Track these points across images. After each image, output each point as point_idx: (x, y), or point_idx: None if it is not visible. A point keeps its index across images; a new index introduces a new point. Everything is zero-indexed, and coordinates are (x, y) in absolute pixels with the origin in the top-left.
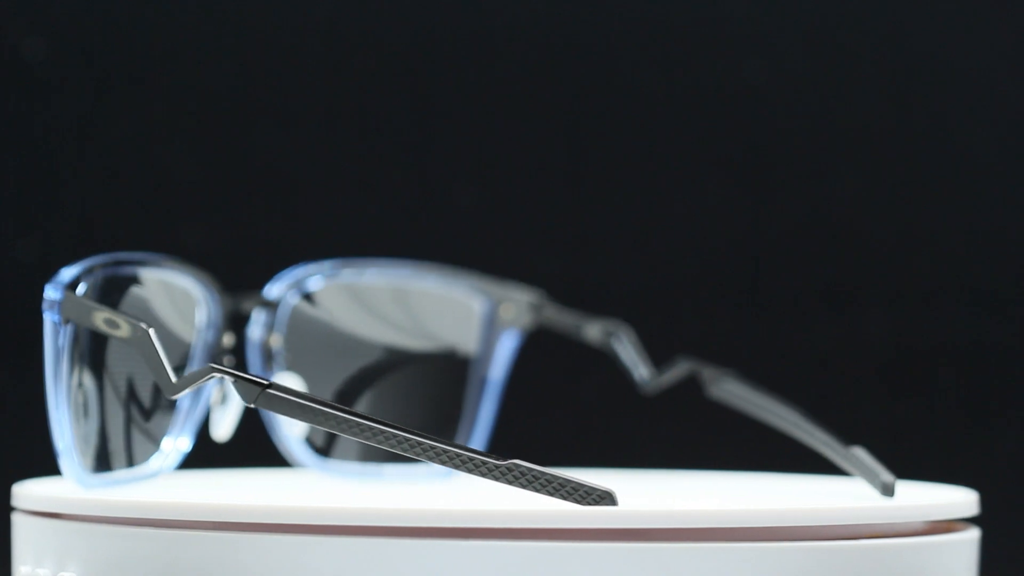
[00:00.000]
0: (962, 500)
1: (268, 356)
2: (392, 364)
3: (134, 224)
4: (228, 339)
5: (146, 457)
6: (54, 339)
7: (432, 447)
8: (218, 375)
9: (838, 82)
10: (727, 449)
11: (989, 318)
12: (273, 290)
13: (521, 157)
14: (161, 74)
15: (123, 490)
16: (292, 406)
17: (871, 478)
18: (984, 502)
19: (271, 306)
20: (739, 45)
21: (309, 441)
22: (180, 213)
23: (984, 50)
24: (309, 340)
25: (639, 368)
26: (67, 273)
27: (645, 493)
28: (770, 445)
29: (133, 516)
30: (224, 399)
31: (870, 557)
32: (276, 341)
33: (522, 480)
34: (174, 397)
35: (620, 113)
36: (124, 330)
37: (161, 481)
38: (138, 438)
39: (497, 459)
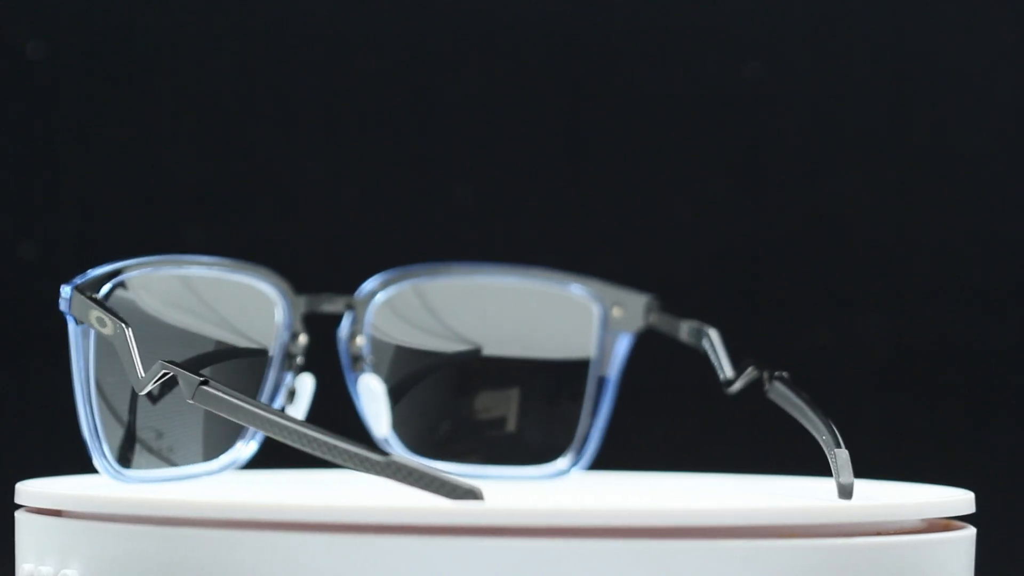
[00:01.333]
0: (958, 499)
1: (357, 358)
2: (506, 366)
3: (136, 225)
4: (303, 340)
5: (216, 455)
6: (75, 338)
7: (323, 443)
8: (168, 371)
9: (838, 82)
10: (729, 449)
11: (989, 318)
12: (365, 290)
13: (520, 157)
14: (163, 75)
15: (126, 488)
16: (222, 403)
17: (836, 476)
18: (982, 501)
19: (357, 307)
20: (739, 45)
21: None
22: (182, 214)
23: (984, 50)
24: (401, 341)
25: (724, 369)
26: (95, 272)
27: (644, 492)
28: (779, 446)
29: (136, 514)
30: (293, 397)
31: (867, 555)
32: (361, 343)
33: (399, 475)
34: (141, 393)
35: (620, 113)
36: (108, 328)
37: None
38: (211, 437)
39: (378, 455)
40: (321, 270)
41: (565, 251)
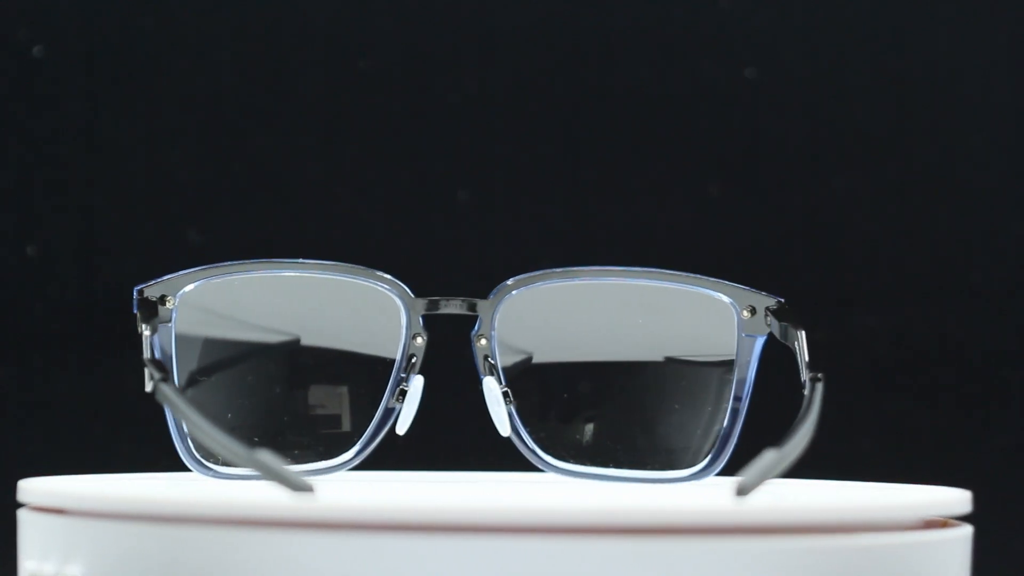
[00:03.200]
0: (955, 498)
1: (484, 359)
2: (637, 368)
3: (138, 226)
4: (420, 342)
5: (338, 453)
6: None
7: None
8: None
9: (838, 83)
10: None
11: (989, 318)
12: (500, 291)
13: (519, 158)
14: (165, 77)
15: (129, 486)
16: (172, 403)
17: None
18: (979, 500)
19: (482, 310)
20: (738, 46)
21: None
22: (184, 215)
23: (984, 50)
24: (528, 343)
25: (804, 371)
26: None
27: (643, 491)
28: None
29: (138, 512)
30: (404, 398)
31: (864, 553)
32: (486, 344)
33: (254, 467)
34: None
35: (619, 114)
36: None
37: (168, 479)
38: (332, 435)
39: (246, 450)
40: None
41: (565, 251)
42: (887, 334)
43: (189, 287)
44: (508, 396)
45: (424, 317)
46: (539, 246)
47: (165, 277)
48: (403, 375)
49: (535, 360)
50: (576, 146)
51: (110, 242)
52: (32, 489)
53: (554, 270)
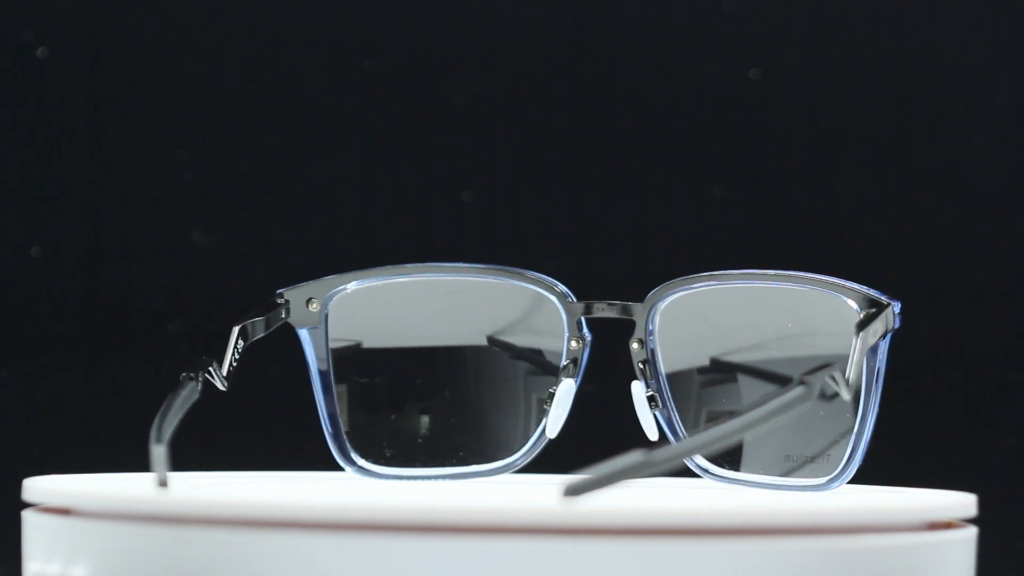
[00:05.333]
0: (960, 502)
1: (642, 362)
2: (777, 370)
3: (143, 227)
4: (575, 344)
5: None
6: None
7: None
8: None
9: (838, 83)
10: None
11: (989, 318)
12: (654, 295)
13: (522, 158)
14: (170, 77)
15: (134, 487)
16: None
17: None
18: (983, 501)
19: (636, 314)
20: (739, 47)
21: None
22: (189, 215)
23: (984, 50)
24: (682, 346)
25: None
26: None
27: (645, 492)
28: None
29: (143, 513)
30: (550, 400)
31: (868, 555)
32: (638, 348)
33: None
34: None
35: (621, 115)
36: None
37: (172, 480)
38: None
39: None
40: (325, 272)
41: (565, 252)
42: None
43: (345, 290)
44: (654, 401)
45: (582, 320)
46: (539, 246)
47: (311, 281)
48: (561, 377)
49: (688, 364)
50: (580, 147)
51: (115, 243)
52: (37, 488)
53: (705, 273)
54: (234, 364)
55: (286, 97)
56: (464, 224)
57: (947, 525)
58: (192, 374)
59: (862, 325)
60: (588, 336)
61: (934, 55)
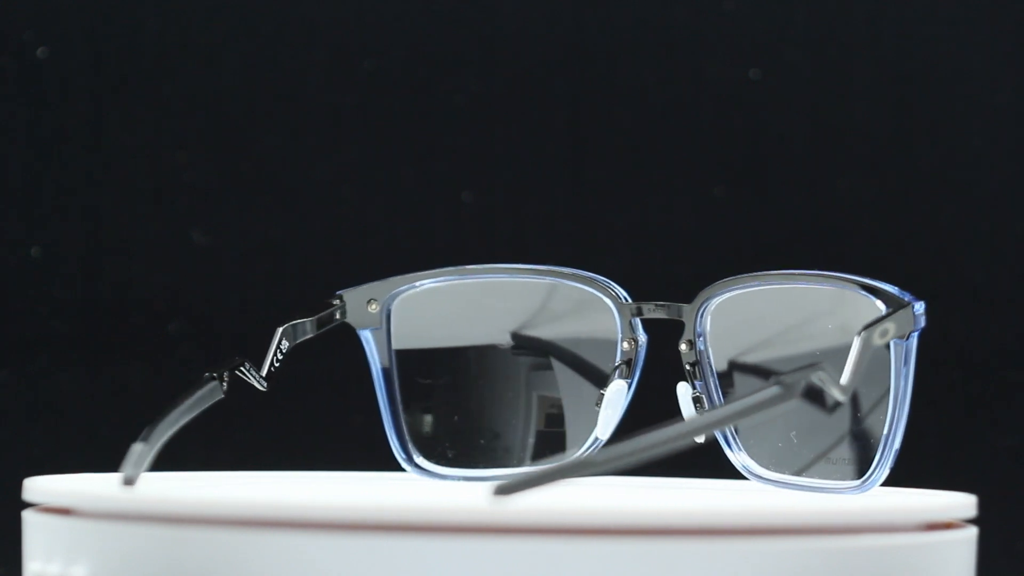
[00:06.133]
0: (960, 503)
1: (691, 364)
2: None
3: (143, 227)
4: (627, 346)
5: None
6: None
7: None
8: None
9: (839, 84)
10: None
11: (989, 318)
12: (703, 296)
13: (522, 159)
14: (170, 77)
15: (135, 487)
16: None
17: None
18: (983, 501)
19: (686, 315)
20: (740, 48)
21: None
22: (189, 216)
23: (984, 50)
24: (732, 347)
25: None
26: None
27: (645, 492)
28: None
29: (144, 513)
30: (601, 402)
31: (868, 555)
32: (686, 350)
33: None
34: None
35: (622, 116)
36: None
37: (172, 480)
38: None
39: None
40: (326, 272)
41: (565, 252)
42: None
43: (406, 291)
44: (700, 402)
45: (634, 321)
46: (539, 247)
47: (371, 283)
48: (614, 379)
49: (738, 365)
50: (580, 148)
51: (115, 243)
52: (37, 488)
53: (751, 273)
54: (275, 365)
55: (286, 97)
56: (464, 224)
57: (947, 525)
58: (215, 374)
59: (867, 326)
60: (642, 338)
61: (934, 55)
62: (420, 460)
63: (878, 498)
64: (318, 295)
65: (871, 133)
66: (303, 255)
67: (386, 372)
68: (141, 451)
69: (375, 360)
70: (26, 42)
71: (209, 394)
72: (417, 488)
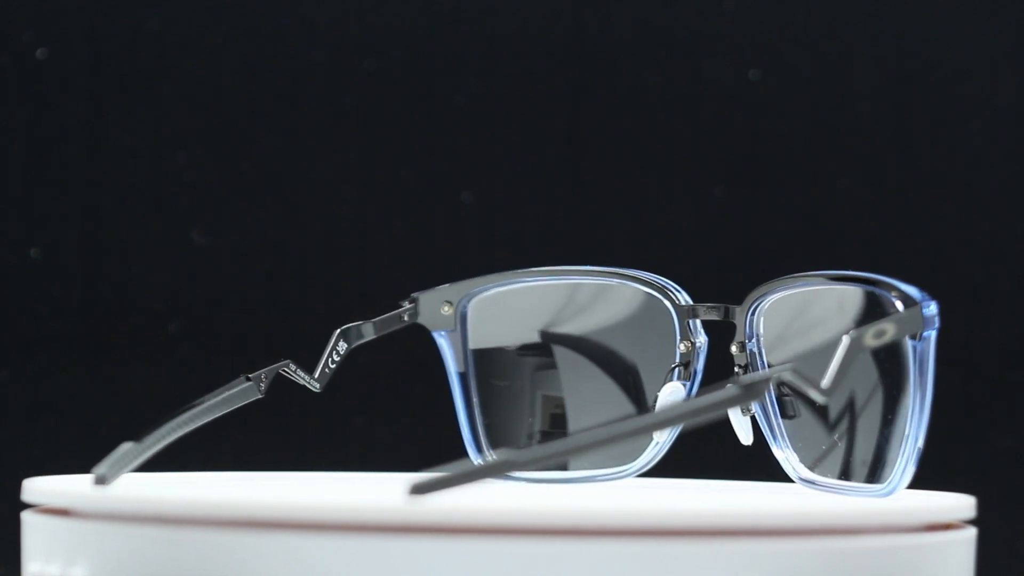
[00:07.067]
0: (959, 504)
1: (742, 366)
2: (873, 378)
3: (142, 228)
4: (684, 347)
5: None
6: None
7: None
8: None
9: (839, 84)
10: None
11: (989, 318)
12: (752, 298)
13: (522, 158)
14: (169, 79)
15: (134, 488)
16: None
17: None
18: (982, 501)
19: (736, 316)
20: (740, 48)
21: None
22: (188, 217)
23: (984, 51)
24: (782, 349)
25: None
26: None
27: (643, 494)
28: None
29: (143, 514)
30: (655, 403)
31: (867, 556)
32: (736, 351)
33: None
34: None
35: (621, 117)
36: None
37: (172, 480)
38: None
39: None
40: (325, 273)
41: (566, 253)
42: None
43: (479, 293)
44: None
45: (692, 323)
46: (539, 247)
47: (445, 285)
48: (671, 381)
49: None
50: (580, 148)
51: (115, 243)
52: (37, 489)
53: (798, 274)
54: (330, 367)
55: (286, 98)
56: (464, 224)
57: (947, 526)
58: (251, 376)
59: (859, 327)
60: (700, 339)
61: (934, 55)
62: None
63: (877, 499)
64: (317, 297)
65: (871, 133)
66: (302, 256)
67: (462, 375)
68: (127, 451)
69: (451, 362)
70: (26, 43)
71: (241, 394)
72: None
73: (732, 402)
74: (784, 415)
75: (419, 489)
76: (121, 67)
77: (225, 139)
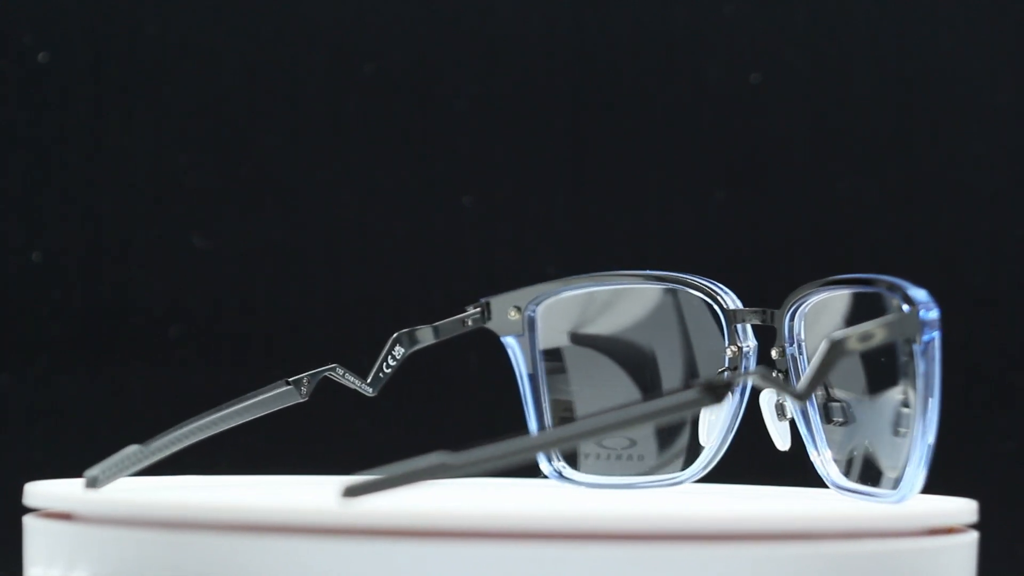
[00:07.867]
0: (961, 508)
1: (783, 371)
2: (897, 382)
3: (143, 231)
4: (732, 352)
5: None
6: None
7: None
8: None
9: (839, 85)
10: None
11: (989, 318)
12: (790, 302)
13: (522, 161)
14: (170, 82)
15: (135, 491)
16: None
17: None
18: (983, 504)
19: (776, 320)
20: (740, 51)
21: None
22: (190, 220)
23: (984, 51)
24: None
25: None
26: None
27: (645, 497)
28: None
29: (144, 518)
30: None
31: (869, 560)
32: (776, 356)
33: None
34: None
35: (622, 119)
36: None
37: (173, 484)
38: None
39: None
40: (326, 275)
41: (566, 253)
42: None
43: (547, 298)
44: (782, 410)
45: (740, 328)
46: (539, 250)
47: (514, 290)
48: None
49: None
50: (580, 151)
51: (116, 247)
52: (38, 493)
53: (833, 277)
54: (385, 371)
55: (287, 101)
56: (464, 228)
57: (948, 530)
58: (291, 380)
59: (842, 331)
60: (748, 344)
61: (934, 56)
62: (561, 465)
63: (879, 503)
64: (318, 299)
65: (872, 135)
66: (303, 258)
67: (532, 378)
68: (127, 455)
69: (520, 366)
70: (27, 46)
71: (278, 398)
72: (417, 493)
73: (692, 404)
74: (828, 421)
75: (352, 492)
76: (122, 69)
77: (226, 142)
